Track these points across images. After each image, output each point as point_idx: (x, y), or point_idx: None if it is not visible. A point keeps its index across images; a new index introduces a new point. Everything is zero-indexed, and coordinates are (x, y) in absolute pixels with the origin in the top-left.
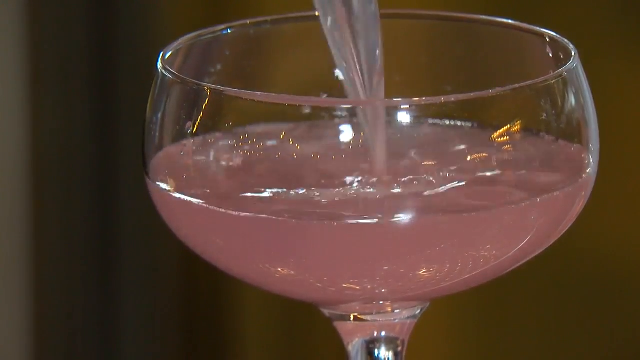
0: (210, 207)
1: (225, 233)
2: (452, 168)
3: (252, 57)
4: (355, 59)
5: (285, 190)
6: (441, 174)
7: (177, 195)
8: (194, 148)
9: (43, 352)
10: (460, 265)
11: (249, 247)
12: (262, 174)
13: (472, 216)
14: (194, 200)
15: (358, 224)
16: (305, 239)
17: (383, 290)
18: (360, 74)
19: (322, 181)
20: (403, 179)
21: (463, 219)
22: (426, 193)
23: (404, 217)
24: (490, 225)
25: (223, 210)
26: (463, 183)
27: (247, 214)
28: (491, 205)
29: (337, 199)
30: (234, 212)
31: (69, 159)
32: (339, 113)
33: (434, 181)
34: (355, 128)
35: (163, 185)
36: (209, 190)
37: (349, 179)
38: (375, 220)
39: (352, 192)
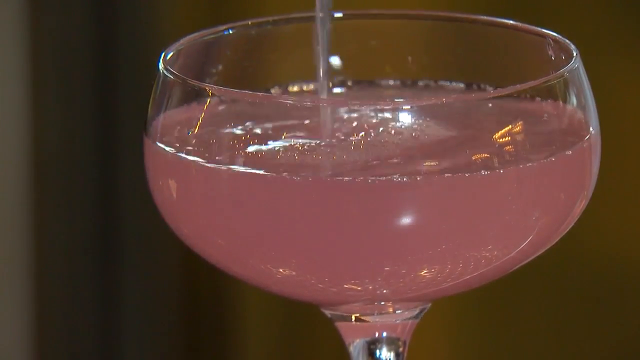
0: (210, 165)
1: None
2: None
3: (253, 57)
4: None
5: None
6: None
7: (180, 157)
8: (195, 149)
9: (44, 352)
10: (461, 265)
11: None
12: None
13: (474, 176)
14: (191, 158)
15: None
16: (304, 196)
17: (384, 291)
18: (321, 75)
19: (321, 148)
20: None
21: (467, 178)
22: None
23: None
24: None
25: (223, 167)
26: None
27: (246, 169)
28: (492, 167)
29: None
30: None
31: (70, 159)
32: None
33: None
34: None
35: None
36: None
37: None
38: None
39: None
